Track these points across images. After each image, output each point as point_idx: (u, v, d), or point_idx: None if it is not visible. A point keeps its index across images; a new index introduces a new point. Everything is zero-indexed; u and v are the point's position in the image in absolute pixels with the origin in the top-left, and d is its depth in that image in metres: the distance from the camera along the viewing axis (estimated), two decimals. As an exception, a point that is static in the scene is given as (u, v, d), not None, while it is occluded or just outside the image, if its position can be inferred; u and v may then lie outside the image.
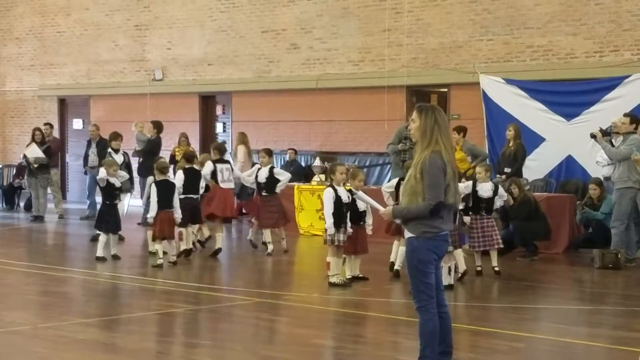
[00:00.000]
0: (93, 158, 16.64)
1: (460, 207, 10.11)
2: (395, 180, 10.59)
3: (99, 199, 13.50)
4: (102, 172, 12.26)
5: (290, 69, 18.51)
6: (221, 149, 13.17)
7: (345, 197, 10.09)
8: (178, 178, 12.22)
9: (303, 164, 17.82)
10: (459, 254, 10.57)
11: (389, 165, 16.29)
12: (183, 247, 12.00)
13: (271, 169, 12.78)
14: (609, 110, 13.66)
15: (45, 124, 18.57)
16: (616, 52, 14.88)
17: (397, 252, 10.56)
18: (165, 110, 19.68)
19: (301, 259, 12.95)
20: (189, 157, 12.73)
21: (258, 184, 12.77)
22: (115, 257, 12.09)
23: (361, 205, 10.18)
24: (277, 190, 12.79)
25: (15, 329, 7.94)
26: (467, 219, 10.72)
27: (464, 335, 7.66)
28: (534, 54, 15.62)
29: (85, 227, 16.02)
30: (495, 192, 10.95)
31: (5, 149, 23.31)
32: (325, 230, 10.10)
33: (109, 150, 14.84)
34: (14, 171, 20.44)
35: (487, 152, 14.90)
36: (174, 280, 10.63)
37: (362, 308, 9.25)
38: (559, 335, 7.83)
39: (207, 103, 20.16)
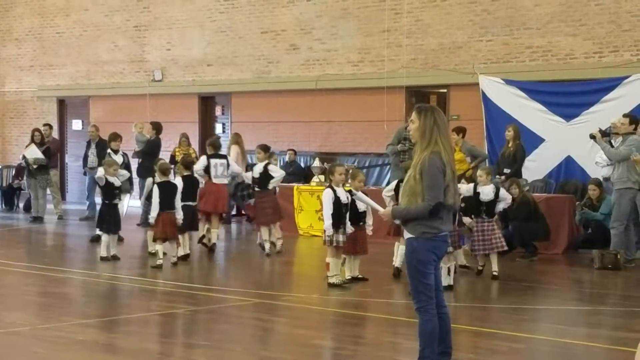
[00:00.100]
0: (92, 159, 16.62)
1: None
2: (394, 183, 10.58)
3: (98, 199, 13.50)
4: (100, 171, 12.29)
5: (289, 70, 18.51)
6: (215, 145, 13.25)
7: (344, 197, 10.09)
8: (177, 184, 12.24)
9: (302, 164, 17.82)
10: (459, 253, 10.57)
11: (388, 166, 16.29)
12: (181, 252, 12.00)
13: (266, 165, 12.79)
14: (608, 111, 13.67)
15: (45, 125, 18.58)
16: (615, 53, 14.89)
17: (399, 254, 10.55)
18: (165, 111, 19.69)
19: (300, 259, 12.95)
20: (188, 164, 12.71)
21: (253, 178, 12.84)
22: (115, 258, 12.09)
23: (360, 206, 10.18)
24: (270, 187, 12.77)
25: (14, 330, 7.93)
26: (466, 219, 10.71)
27: (463, 335, 7.66)
28: (534, 54, 15.63)
29: (84, 227, 16.02)
30: (497, 195, 10.91)
31: (5, 149, 23.30)
32: (324, 231, 10.11)
33: (109, 151, 14.84)
34: (14, 172, 20.42)
35: (486, 152, 14.91)
36: (173, 281, 10.63)
37: (361, 309, 9.25)
38: (559, 336, 7.83)
39: (207, 104, 20.16)
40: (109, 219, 12.16)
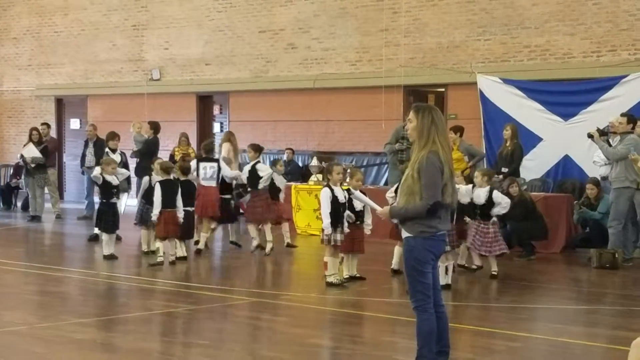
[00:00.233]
0: (90, 158, 16.61)
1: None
2: (396, 185, 10.53)
3: (97, 198, 13.50)
4: (96, 170, 12.31)
5: (287, 69, 18.51)
6: (207, 148, 13.37)
7: (342, 197, 10.09)
8: None
9: (300, 163, 17.82)
10: (458, 252, 10.54)
11: (386, 165, 16.31)
12: (179, 254, 11.99)
13: (254, 165, 12.79)
14: (606, 110, 13.70)
15: (43, 124, 18.56)
16: (613, 52, 14.90)
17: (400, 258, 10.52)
18: (163, 110, 19.68)
19: (298, 258, 12.94)
20: (185, 170, 12.69)
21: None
22: (113, 257, 12.09)
23: (358, 205, 10.19)
24: (260, 186, 12.74)
25: (12, 329, 7.93)
26: (466, 218, 10.70)
27: (461, 334, 7.66)
28: (532, 53, 15.63)
29: (82, 227, 16.02)
30: (490, 199, 10.70)
31: (3, 148, 23.29)
32: (322, 230, 10.11)
33: (106, 150, 14.83)
34: (11, 171, 20.43)
35: (484, 151, 14.93)
36: (171, 280, 10.63)
37: (359, 308, 9.25)
38: (557, 335, 7.83)
39: (205, 103, 20.16)
40: (107, 218, 12.16)
